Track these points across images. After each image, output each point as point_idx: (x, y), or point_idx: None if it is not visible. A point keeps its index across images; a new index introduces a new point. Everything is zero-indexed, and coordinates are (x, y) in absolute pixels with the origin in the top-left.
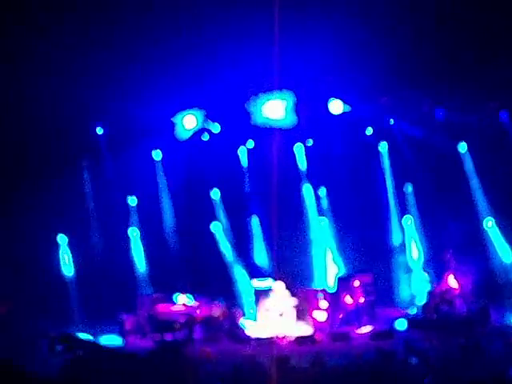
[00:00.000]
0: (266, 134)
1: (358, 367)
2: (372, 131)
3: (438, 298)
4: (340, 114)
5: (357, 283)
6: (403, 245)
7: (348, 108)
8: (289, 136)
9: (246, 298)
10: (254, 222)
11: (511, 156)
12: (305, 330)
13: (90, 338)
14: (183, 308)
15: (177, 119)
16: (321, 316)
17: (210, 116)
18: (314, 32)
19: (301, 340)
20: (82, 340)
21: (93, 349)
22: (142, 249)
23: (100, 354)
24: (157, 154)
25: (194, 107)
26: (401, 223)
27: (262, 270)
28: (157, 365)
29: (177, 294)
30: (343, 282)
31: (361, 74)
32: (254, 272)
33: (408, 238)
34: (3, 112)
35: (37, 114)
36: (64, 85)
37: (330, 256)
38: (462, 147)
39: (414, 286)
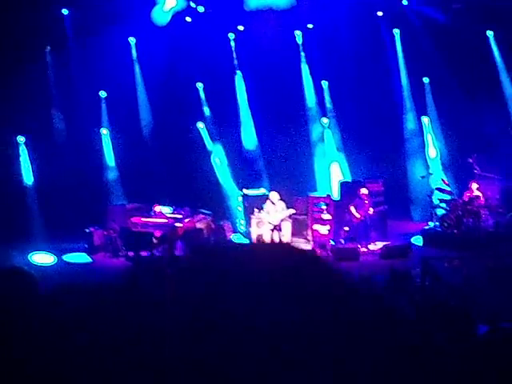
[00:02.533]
0: (259, 17)
1: (365, 291)
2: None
3: (460, 210)
4: None
5: (365, 191)
6: (419, 148)
7: None
8: (286, 19)
9: (235, 209)
10: (245, 112)
11: None
12: (303, 246)
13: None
14: (162, 220)
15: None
16: (322, 230)
17: None
18: None
19: None
20: None
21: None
22: (114, 152)
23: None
24: (132, 40)
25: None
26: (417, 123)
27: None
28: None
29: (154, 204)
30: (349, 190)
31: None
32: (246, 179)
33: (425, 139)
34: None
35: None
36: None
37: (333, 160)
38: (490, 34)
39: (432, 195)
